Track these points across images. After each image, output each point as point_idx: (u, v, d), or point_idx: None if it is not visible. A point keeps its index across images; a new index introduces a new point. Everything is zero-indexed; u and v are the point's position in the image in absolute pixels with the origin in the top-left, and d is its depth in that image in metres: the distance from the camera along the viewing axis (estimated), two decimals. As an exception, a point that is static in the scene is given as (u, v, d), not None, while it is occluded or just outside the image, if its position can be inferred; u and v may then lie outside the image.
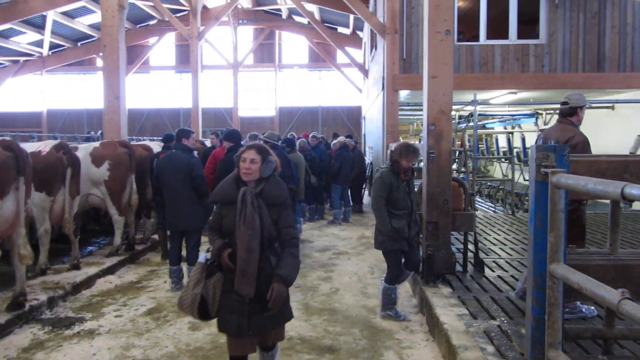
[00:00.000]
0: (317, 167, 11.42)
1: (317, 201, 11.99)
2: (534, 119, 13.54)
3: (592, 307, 4.62)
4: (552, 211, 2.62)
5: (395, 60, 11.07)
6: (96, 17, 23.37)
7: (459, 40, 11.32)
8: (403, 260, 5.41)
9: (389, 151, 5.30)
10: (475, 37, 11.51)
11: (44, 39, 25.11)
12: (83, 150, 7.66)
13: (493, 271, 6.26)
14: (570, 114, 4.85)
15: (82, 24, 24.83)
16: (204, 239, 6.21)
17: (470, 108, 12.39)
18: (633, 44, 10.94)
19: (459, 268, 6.25)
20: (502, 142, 19.30)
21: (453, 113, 12.48)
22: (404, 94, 12.36)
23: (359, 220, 12.10)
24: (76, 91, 29.97)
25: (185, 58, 26.75)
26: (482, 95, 12.49)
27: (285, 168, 7.75)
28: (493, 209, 13.47)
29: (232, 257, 3.24)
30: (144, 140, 16.37)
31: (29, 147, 6.42)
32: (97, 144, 8.16)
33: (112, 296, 6.26)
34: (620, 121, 12.24)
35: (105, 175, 7.60)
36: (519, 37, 11.22)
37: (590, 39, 11.02)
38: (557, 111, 13.14)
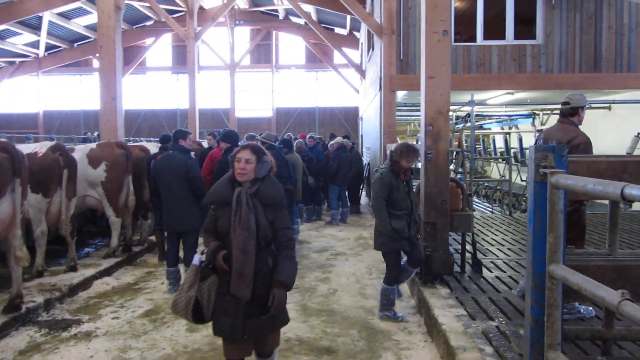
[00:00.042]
0: (315, 168, 11.42)
1: (314, 202, 11.99)
2: (531, 120, 13.54)
3: (590, 308, 4.62)
4: (551, 212, 2.62)
5: (392, 61, 11.07)
6: (92, 18, 23.27)
7: (456, 40, 11.32)
8: (405, 258, 5.40)
9: (388, 151, 5.29)
10: (472, 38, 11.52)
11: (40, 40, 25.01)
12: (80, 152, 7.63)
13: (491, 272, 6.26)
14: (572, 114, 4.85)
15: (78, 24, 24.75)
16: (201, 240, 6.19)
17: (467, 108, 12.40)
18: (629, 45, 10.96)
19: (456, 269, 6.25)
20: (499, 143, 19.33)
21: (450, 114, 12.50)
22: (401, 94, 12.36)
23: (357, 221, 12.09)
24: (72, 92, 29.86)
25: (182, 59, 26.70)
26: (479, 96, 12.50)
27: (282, 169, 7.75)
28: (490, 210, 13.49)
29: (228, 259, 3.20)
30: (140, 141, 16.31)
31: (25, 148, 6.40)
32: (93, 145, 8.13)
33: (109, 298, 6.24)
34: (617, 121, 12.27)
35: (102, 177, 7.58)
36: (516, 37, 11.23)
37: (587, 40, 11.04)
38: (554, 111, 13.26)
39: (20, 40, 25.20)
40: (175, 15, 23.50)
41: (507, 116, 15.12)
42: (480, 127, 16.61)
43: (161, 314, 5.62)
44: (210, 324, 3.31)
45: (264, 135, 8.15)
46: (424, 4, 6.02)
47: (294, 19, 27.49)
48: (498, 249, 7.52)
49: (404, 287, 6.46)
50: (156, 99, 29.46)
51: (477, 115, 12.88)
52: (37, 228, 6.42)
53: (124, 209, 7.95)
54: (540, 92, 12.26)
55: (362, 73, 18.81)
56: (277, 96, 29.43)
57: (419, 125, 13.29)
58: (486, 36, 11.24)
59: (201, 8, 23.84)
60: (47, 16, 22.55)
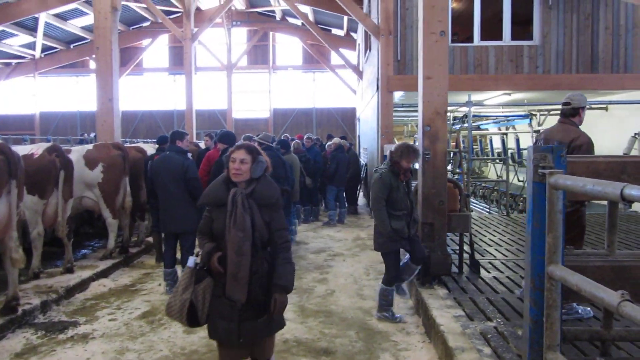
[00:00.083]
0: (312, 169, 11.40)
1: (312, 203, 11.98)
2: (528, 120, 13.56)
3: (588, 308, 4.62)
4: (550, 212, 2.61)
5: (389, 62, 11.08)
6: (89, 19, 23.23)
7: (453, 41, 11.34)
8: (408, 256, 5.38)
9: (388, 152, 5.28)
10: (470, 39, 11.53)
11: (37, 41, 24.95)
12: (76, 153, 7.60)
13: (489, 272, 6.26)
14: (573, 114, 4.85)
15: (74, 26, 24.69)
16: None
17: (464, 109, 12.40)
18: (626, 46, 10.99)
19: (454, 269, 6.24)
20: (497, 143, 19.34)
21: (448, 114, 12.50)
22: (398, 95, 12.36)
23: (354, 221, 12.08)
24: (69, 93, 29.79)
25: (179, 60, 26.64)
26: (476, 97, 12.51)
27: (279, 169, 7.74)
28: (488, 210, 13.50)
29: (223, 261, 3.14)
30: (137, 142, 16.30)
31: (21, 149, 6.38)
32: (90, 146, 8.11)
33: (106, 300, 6.21)
34: (614, 122, 12.29)
35: (99, 178, 7.55)
36: (513, 38, 11.25)
37: (584, 41, 11.06)
38: (551, 112, 13.28)
39: (17, 41, 25.13)
40: (172, 16, 23.43)
41: (504, 117, 15.14)
42: (478, 128, 16.62)
43: (158, 315, 5.60)
44: (207, 325, 3.27)
45: (262, 136, 8.14)
46: (421, 4, 6.02)
47: (291, 20, 27.49)
48: (496, 249, 7.52)
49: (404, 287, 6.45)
50: (153, 100, 29.41)
51: (474, 115, 12.89)
52: (33, 230, 6.39)
53: (120, 211, 7.92)
54: (537, 93, 12.28)
55: (359, 74, 18.82)
56: (274, 97, 29.41)
57: (417, 126, 13.29)
58: (483, 37, 11.26)
59: (198, 9, 23.84)
60: (44, 17, 22.49)
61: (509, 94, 12.65)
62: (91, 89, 25.01)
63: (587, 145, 4.60)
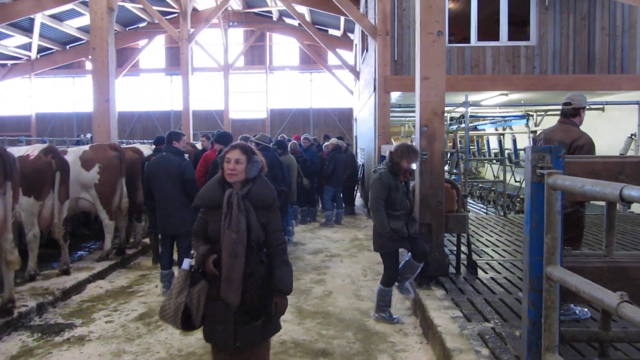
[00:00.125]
0: (309, 169, 11.39)
1: (309, 203, 11.96)
2: (524, 121, 13.58)
3: (586, 309, 4.62)
4: (549, 213, 2.60)
5: (386, 62, 11.07)
6: (85, 20, 23.15)
7: (450, 42, 11.34)
8: (409, 255, 5.36)
9: (388, 152, 5.26)
10: (466, 39, 11.55)
11: (32, 42, 24.87)
12: (73, 154, 7.57)
13: (486, 273, 6.25)
14: (573, 114, 4.85)
15: (70, 26, 24.64)
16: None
17: (461, 109, 12.41)
18: (622, 46, 11.01)
19: (452, 270, 6.23)
20: (494, 144, 19.38)
21: (445, 115, 12.51)
22: (395, 95, 12.36)
23: (351, 222, 12.07)
24: (65, 94, 29.71)
25: (176, 60, 26.60)
26: (473, 97, 12.52)
27: (276, 170, 7.73)
28: (485, 211, 13.50)
29: (218, 263, 3.08)
30: (134, 143, 16.26)
31: (17, 151, 6.35)
32: (86, 147, 8.08)
33: (103, 301, 6.18)
34: (610, 123, 12.31)
35: (95, 179, 7.52)
36: (510, 38, 11.26)
37: (580, 41, 11.08)
38: (548, 112, 13.30)
39: (12, 42, 25.04)
40: (168, 17, 23.42)
41: (501, 117, 15.17)
42: (475, 128, 16.65)
43: (155, 317, 5.56)
44: (202, 328, 3.21)
45: (258, 137, 8.13)
46: (419, 5, 6.01)
47: (287, 20, 27.48)
48: (493, 250, 7.52)
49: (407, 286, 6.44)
50: (150, 100, 29.36)
51: (471, 116, 12.90)
52: (29, 231, 6.36)
53: (117, 212, 7.89)
54: (534, 93, 12.30)
55: (356, 74, 18.81)
56: (271, 97, 29.40)
57: (414, 127, 13.27)
58: (480, 37, 11.27)
59: (194, 9, 23.79)
60: (39, 18, 22.43)
61: (506, 95, 12.67)
62: (87, 90, 25.04)
63: (589, 145, 4.60)
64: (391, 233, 5.10)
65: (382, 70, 11.05)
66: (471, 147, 19.86)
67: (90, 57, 10.20)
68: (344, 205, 12.47)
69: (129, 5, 21.96)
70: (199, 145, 11.65)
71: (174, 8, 20.53)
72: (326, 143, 12.97)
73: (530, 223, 2.77)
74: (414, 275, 5.48)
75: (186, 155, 6.48)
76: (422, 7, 5.95)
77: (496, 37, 11.27)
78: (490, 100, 13.66)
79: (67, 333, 5.14)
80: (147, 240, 8.66)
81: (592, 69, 11.07)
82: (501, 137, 16.73)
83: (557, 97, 11.90)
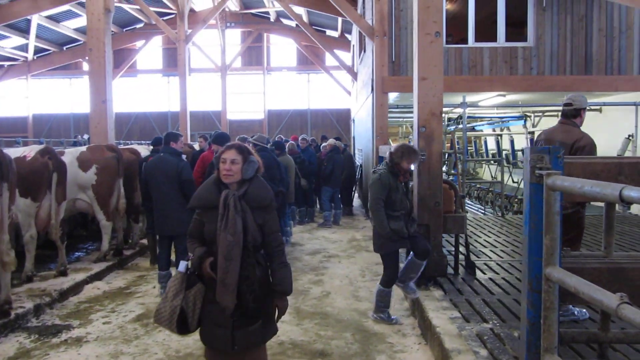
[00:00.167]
0: (307, 170, 11.39)
1: (307, 204, 11.95)
2: (522, 121, 13.59)
3: (584, 310, 4.62)
4: (548, 213, 2.60)
5: (384, 63, 11.07)
6: (82, 21, 23.09)
7: (447, 43, 11.34)
8: (412, 254, 5.34)
9: (388, 153, 5.25)
10: (464, 40, 11.55)
11: (29, 43, 24.79)
12: (70, 155, 7.56)
13: (484, 273, 6.25)
14: (574, 115, 4.85)
15: (67, 27, 24.57)
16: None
17: (459, 110, 12.42)
18: (620, 47, 11.03)
19: (450, 270, 6.24)
20: (491, 145, 19.39)
21: (442, 115, 12.51)
22: (393, 96, 12.36)
23: (349, 222, 12.07)
24: (62, 95, 29.63)
25: (173, 61, 26.57)
26: (471, 98, 12.53)
27: (274, 171, 7.73)
28: (482, 211, 13.51)
29: (215, 265, 3.01)
30: (131, 144, 16.24)
31: (14, 152, 6.33)
32: (84, 148, 8.06)
33: (100, 302, 6.17)
34: (608, 124, 12.33)
35: (93, 180, 7.50)
36: (507, 39, 11.28)
37: (578, 42, 11.10)
38: (545, 113, 13.31)
39: (9, 43, 24.96)
40: (165, 18, 23.37)
41: (498, 118, 15.18)
42: (472, 129, 16.67)
43: (153, 318, 5.55)
44: (199, 330, 3.16)
45: (256, 137, 8.13)
46: (416, 5, 6.01)
47: (285, 21, 27.47)
48: (491, 250, 7.52)
49: (398, 290, 6.43)
50: (147, 101, 29.30)
51: (468, 117, 12.91)
52: (26, 233, 6.34)
53: (114, 213, 7.87)
54: (531, 94, 12.31)
55: (354, 75, 18.81)
56: (269, 98, 29.37)
57: (411, 127, 13.27)
58: (477, 38, 11.28)
59: (192, 10, 23.77)
60: (36, 19, 22.35)
61: (504, 95, 12.69)
62: (84, 91, 24.89)
63: (590, 146, 4.60)
64: (391, 233, 5.08)
65: (380, 71, 11.05)
66: (469, 148, 19.88)
67: (87, 58, 10.17)
68: (342, 205, 12.47)
69: (125, 6, 21.92)
70: (196, 146, 11.63)
71: (171, 9, 20.49)
72: (324, 144, 12.96)
73: (529, 224, 2.77)
74: (418, 274, 5.41)
75: (184, 156, 6.47)
76: (419, 7, 5.95)
77: (494, 38, 11.29)
78: (487, 101, 13.68)
79: (64, 334, 5.12)
80: (145, 241, 8.64)
81: (589, 70, 11.09)
82: (499, 137, 16.74)
83: (555, 98, 11.92)
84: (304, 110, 29.26)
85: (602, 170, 2.89)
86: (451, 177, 13.71)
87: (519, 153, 14.48)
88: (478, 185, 16.37)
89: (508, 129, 16.95)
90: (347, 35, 25.45)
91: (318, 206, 12.81)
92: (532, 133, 13.05)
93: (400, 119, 18.98)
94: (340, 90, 26.05)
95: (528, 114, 13.85)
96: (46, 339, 5.01)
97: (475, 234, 8.76)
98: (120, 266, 7.79)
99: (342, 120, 28.67)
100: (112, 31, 17.78)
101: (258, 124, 28.97)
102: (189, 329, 3.08)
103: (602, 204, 4.69)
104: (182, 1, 17.98)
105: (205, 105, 28.44)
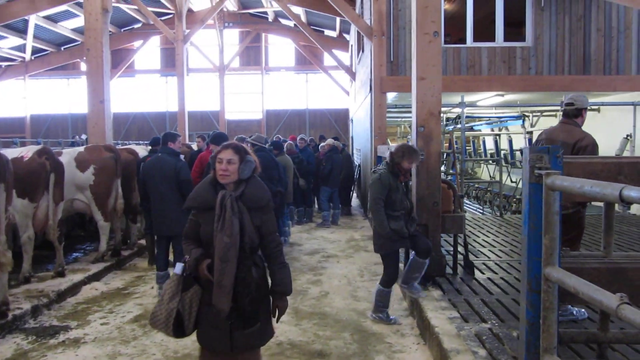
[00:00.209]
0: (305, 170, 11.38)
1: (305, 204, 11.95)
2: (520, 121, 13.59)
3: (583, 310, 4.61)
4: (547, 213, 2.59)
5: (382, 63, 11.06)
6: (79, 21, 23.04)
7: (445, 42, 11.33)
8: (413, 253, 5.32)
9: (388, 153, 5.24)
10: (462, 40, 11.55)
11: (27, 44, 24.73)
12: (67, 155, 7.54)
13: (483, 273, 6.25)
14: (576, 115, 4.85)
15: (65, 28, 24.51)
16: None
17: (457, 110, 12.41)
18: (618, 47, 11.04)
19: (448, 270, 6.23)
20: (490, 144, 19.38)
21: (441, 115, 12.51)
22: (391, 96, 12.35)
23: (348, 222, 12.06)
24: (60, 96, 29.54)
25: (171, 61, 26.50)
26: (469, 98, 12.52)
27: (273, 171, 7.72)
28: (481, 211, 13.51)
29: (212, 267, 2.97)
30: (129, 144, 16.21)
31: (11, 152, 6.31)
32: (81, 148, 8.04)
33: (98, 303, 6.15)
34: (606, 123, 12.33)
35: (91, 180, 7.48)
36: (506, 39, 11.27)
37: (576, 42, 11.10)
38: (544, 113, 13.32)
39: (6, 44, 24.90)
40: (163, 18, 23.31)
41: (497, 118, 15.18)
42: (471, 129, 16.66)
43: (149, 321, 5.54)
44: (196, 331, 3.13)
45: (254, 137, 8.11)
46: (414, 5, 6.01)
47: (283, 21, 27.44)
48: (490, 250, 7.52)
49: (396, 290, 6.42)
50: (145, 101, 29.24)
51: (467, 116, 12.91)
52: (23, 233, 6.32)
53: (112, 213, 7.85)
54: (529, 94, 12.31)
55: (352, 75, 18.80)
56: (267, 98, 29.34)
57: (410, 127, 13.25)
58: (476, 38, 11.27)
59: (190, 10, 23.73)
60: (34, 19, 22.30)
61: (502, 95, 12.68)
62: (82, 91, 24.88)
63: (592, 146, 4.59)
64: (391, 233, 5.07)
65: (378, 71, 11.05)
66: (467, 148, 19.86)
67: (84, 58, 10.16)
68: (340, 205, 12.46)
69: (123, 6, 21.87)
70: (194, 146, 11.61)
71: (169, 9, 20.43)
72: (322, 144, 12.95)
73: (529, 224, 2.76)
74: (421, 274, 5.36)
75: (182, 156, 6.45)
76: (418, 7, 5.95)
77: (492, 38, 11.28)
78: (486, 100, 13.67)
79: (62, 335, 5.10)
80: (143, 241, 8.62)
81: (587, 70, 11.08)
82: (497, 137, 16.73)
83: (553, 97, 11.92)
84: (302, 110, 29.24)
85: (601, 170, 2.88)
86: (450, 177, 13.72)
87: (517, 153, 14.49)
88: (476, 185, 16.37)
89: (506, 128, 16.96)
90: (345, 35, 25.43)
91: (316, 206, 12.80)
92: (531, 133, 13.06)
93: (399, 119, 18.98)
94: (338, 90, 26.04)
95: (526, 113, 13.86)
96: (44, 340, 4.99)
97: (473, 233, 8.76)
98: (118, 267, 7.77)
99: (340, 120, 28.65)
100: (110, 31, 17.79)
101: (256, 124, 28.94)
102: (185, 332, 3.04)
103: (601, 204, 4.67)
104: (180, 1, 17.96)
105: (204, 105, 28.40)
